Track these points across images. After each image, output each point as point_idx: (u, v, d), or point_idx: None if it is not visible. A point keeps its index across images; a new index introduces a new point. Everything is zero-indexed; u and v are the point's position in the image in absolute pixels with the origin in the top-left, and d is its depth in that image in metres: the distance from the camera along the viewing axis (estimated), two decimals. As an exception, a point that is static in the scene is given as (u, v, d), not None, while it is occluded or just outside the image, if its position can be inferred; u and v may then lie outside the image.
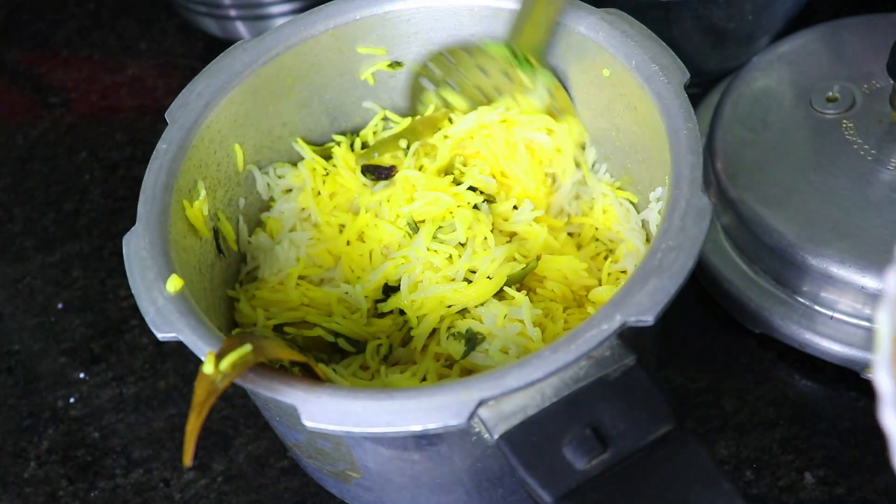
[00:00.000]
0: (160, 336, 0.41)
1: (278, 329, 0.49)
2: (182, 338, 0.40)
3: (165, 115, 0.49)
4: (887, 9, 0.60)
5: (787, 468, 0.50)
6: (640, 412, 0.36)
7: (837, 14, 0.60)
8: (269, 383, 0.39)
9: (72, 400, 0.59)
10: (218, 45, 0.77)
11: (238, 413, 0.57)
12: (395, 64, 0.55)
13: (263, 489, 0.54)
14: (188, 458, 0.36)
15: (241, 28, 0.75)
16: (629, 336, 0.38)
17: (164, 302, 0.41)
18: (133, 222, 0.45)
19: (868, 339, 0.51)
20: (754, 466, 0.51)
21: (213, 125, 0.50)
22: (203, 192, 0.49)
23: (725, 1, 0.61)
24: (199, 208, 0.48)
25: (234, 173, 0.52)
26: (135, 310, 0.62)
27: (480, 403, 0.36)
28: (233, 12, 0.74)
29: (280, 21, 0.73)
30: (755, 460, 0.51)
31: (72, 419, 0.58)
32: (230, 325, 0.50)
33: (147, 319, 0.41)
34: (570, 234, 0.53)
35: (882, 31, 0.58)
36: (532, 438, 0.36)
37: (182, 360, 0.59)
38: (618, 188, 0.53)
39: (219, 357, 0.38)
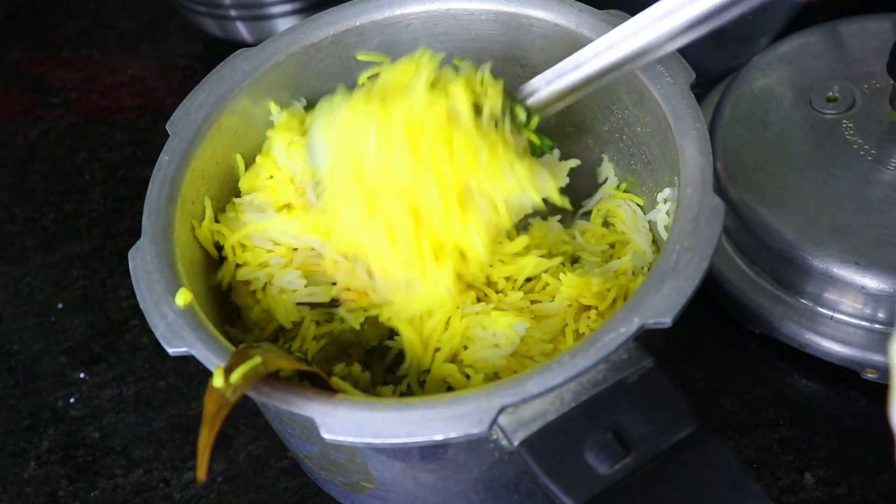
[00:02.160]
0: (171, 351, 0.40)
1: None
2: (194, 352, 0.40)
3: (167, 127, 0.49)
4: (887, 9, 0.60)
5: (787, 468, 0.50)
6: (661, 415, 0.36)
7: (837, 14, 0.60)
8: (284, 396, 0.38)
9: (72, 400, 0.59)
10: (218, 45, 0.77)
11: (238, 413, 0.57)
12: None
13: (263, 489, 0.54)
14: (202, 473, 0.36)
15: (241, 28, 0.75)
16: (644, 338, 0.38)
17: (173, 316, 0.41)
18: (133, 223, 0.45)
19: (868, 340, 0.51)
20: (754, 466, 0.51)
21: (215, 136, 0.49)
22: (210, 212, 0.49)
23: (725, 1, 0.61)
24: (207, 228, 0.48)
25: (235, 184, 0.52)
26: (135, 310, 0.62)
27: (501, 410, 0.36)
28: (233, 13, 0.74)
29: (281, 21, 0.74)
30: (755, 460, 0.51)
31: (72, 419, 0.58)
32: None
33: (157, 335, 0.41)
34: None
35: (882, 31, 0.58)
36: (553, 444, 0.36)
37: (182, 360, 0.59)
38: (623, 190, 0.53)
39: (228, 370, 0.38)
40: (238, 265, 0.49)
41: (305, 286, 0.48)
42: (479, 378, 0.45)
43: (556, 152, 0.53)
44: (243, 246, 0.49)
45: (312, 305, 0.49)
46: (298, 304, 0.48)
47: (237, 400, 0.37)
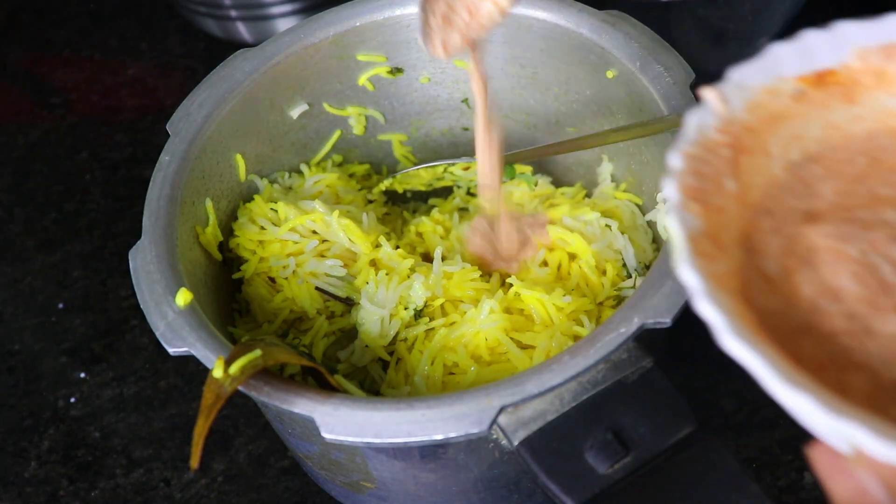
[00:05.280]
0: (172, 351, 0.40)
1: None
2: (194, 352, 0.40)
3: (167, 127, 0.49)
4: (887, 9, 0.60)
5: (787, 468, 0.50)
6: (661, 414, 0.36)
7: (837, 14, 0.60)
8: (284, 396, 0.39)
9: (72, 400, 0.59)
10: (219, 45, 0.78)
11: (238, 413, 0.57)
12: (396, 70, 0.55)
13: (263, 489, 0.54)
14: (195, 461, 0.36)
15: (241, 29, 0.75)
16: (644, 338, 0.38)
17: (174, 316, 0.41)
18: (134, 223, 0.45)
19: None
20: (754, 466, 0.51)
21: (215, 136, 0.49)
22: (213, 217, 0.49)
23: (725, 1, 0.61)
24: (210, 233, 0.48)
25: (236, 184, 0.52)
26: (135, 309, 0.62)
27: (501, 410, 0.36)
28: (233, 13, 0.74)
29: (281, 21, 0.74)
30: (755, 460, 0.51)
31: (72, 419, 0.58)
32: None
33: (157, 334, 0.41)
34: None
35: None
36: (552, 444, 0.36)
37: (182, 360, 0.59)
38: (623, 190, 0.53)
39: (228, 362, 0.38)
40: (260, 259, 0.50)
41: (340, 277, 0.50)
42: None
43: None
44: (261, 243, 0.50)
45: (329, 296, 0.49)
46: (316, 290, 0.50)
47: (234, 391, 0.38)
